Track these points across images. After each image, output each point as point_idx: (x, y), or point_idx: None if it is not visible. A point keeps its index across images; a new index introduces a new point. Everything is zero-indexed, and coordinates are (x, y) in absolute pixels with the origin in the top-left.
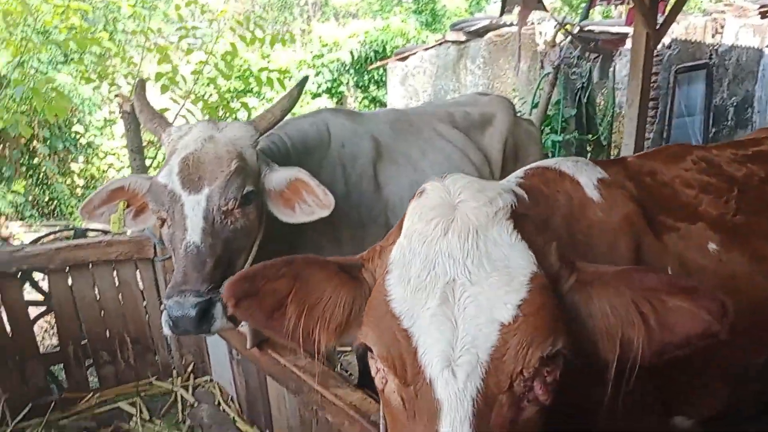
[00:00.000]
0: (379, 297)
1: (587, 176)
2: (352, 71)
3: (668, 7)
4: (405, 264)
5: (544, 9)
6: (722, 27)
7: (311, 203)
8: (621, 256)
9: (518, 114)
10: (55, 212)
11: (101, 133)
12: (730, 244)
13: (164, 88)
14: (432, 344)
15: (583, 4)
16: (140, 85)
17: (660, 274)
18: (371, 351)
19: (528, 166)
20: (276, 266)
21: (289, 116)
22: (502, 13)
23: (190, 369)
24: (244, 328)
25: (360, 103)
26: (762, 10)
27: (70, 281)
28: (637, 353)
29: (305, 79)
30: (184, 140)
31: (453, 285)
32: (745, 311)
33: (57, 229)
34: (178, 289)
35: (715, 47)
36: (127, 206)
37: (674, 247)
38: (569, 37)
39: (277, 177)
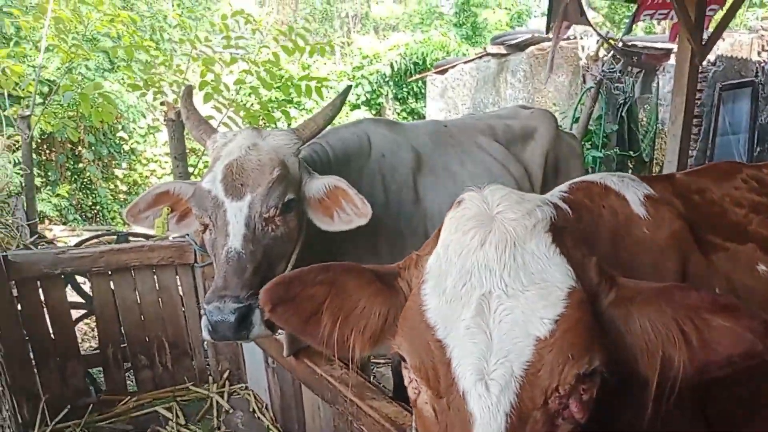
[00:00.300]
0: (414, 306)
1: (633, 192)
2: (391, 83)
3: (713, 24)
4: (441, 274)
5: (587, 23)
6: None
7: (349, 212)
8: (667, 275)
9: (560, 128)
10: (98, 217)
11: (144, 140)
12: None
13: (207, 97)
14: (466, 356)
15: (626, 20)
16: (187, 92)
17: (702, 292)
18: (405, 360)
19: (572, 180)
20: (313, 272)
21: (329, 126)
22: (548, 30)
23: (225, 375)
24: (281, 336)
25: (399, 115)
26: None
27: (111, 284)
28: (677, 372)
29: (348, 88)
30: (229, 147)
31: (489, 297)
32: None
33: (100, 232)
34: (218, 294)
35: (762, 65)
36: (171, 211)
37: (722, 268)
38: (612, 52)
39: (317, 185)
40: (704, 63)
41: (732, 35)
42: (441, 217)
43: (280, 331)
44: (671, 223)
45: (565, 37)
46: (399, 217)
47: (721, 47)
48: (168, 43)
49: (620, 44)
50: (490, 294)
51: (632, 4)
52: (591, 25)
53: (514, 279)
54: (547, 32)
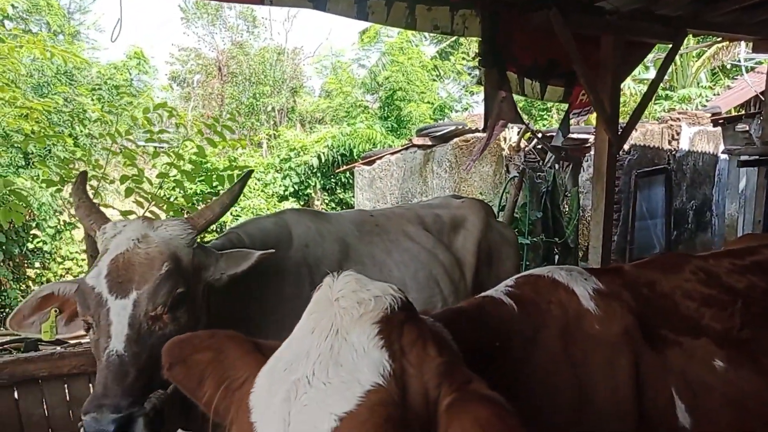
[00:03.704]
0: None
1: (582, 286)
2: (319, 174)
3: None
4: (280, 357)
5: (521, 121)
6: (678, 134)
7: None
8: (620, 371)
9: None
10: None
11: (60, 237)
12: (737, 360)
13: (129, 192)
14: None
15: (542, 113)
16: (80, 179)
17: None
18: None
19: (519, 275)
20: (201, 337)
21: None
22: (485, 128)
23: None
24: None
25: (327, 205)
26: (713, 118)
27: (16, 397)
28: None
29: (249, 173)
30: (117, 239)
31: (297, 385)
32: None
33: (7, 339)
34: (96, 404)
35: (673, 152)
36: (60, 312)
37: (677, 364)
38: (534, 142)
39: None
40: (620, 152)
41: (644, 125)
42: None
43: None
44: (622, 317)
45: (500, 134)
46: None
47: (634, 137)
48: (87, 138)
49: (540, 135)
50: (299, 381)
51: (563, 104)
52: (525, 124)
53: (322, 370)
54: (484, 130)
